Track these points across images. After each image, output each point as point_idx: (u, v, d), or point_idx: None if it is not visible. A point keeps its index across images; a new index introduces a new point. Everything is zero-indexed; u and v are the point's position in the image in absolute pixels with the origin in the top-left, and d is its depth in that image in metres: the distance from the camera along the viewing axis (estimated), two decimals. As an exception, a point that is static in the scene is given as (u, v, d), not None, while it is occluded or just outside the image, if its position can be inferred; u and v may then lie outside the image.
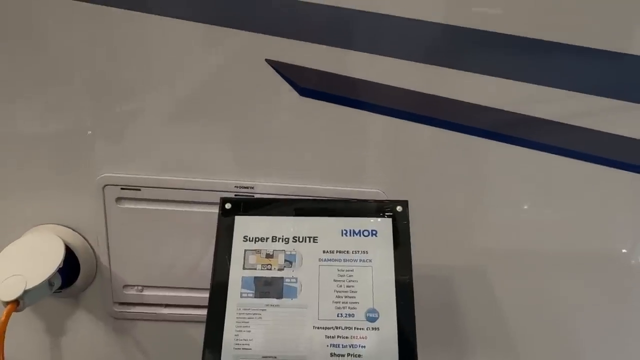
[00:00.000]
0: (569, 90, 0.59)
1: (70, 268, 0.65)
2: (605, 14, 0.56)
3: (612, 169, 0.62)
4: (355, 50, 0.59)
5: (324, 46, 0.59)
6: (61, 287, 0.64)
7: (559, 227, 0.66)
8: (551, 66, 0.58)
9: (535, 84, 0.59)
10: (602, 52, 0.57)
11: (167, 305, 0.69)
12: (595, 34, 0.57)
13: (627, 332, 0.69)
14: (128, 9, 0.57)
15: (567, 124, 0.60)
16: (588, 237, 0.66)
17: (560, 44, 0.57)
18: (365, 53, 0.59)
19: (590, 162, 0.62)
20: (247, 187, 0.64)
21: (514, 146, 0.62)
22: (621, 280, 0.67)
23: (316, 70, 0.60)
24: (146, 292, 0.68)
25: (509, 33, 0.57)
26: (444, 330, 0.69)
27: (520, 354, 0.70)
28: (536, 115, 0.60)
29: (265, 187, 0.64)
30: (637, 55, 0.57)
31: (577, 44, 0.57)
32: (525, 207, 0.66)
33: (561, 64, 0.58)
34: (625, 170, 0.62)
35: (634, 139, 0.60)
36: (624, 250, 0.66)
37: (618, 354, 0.69)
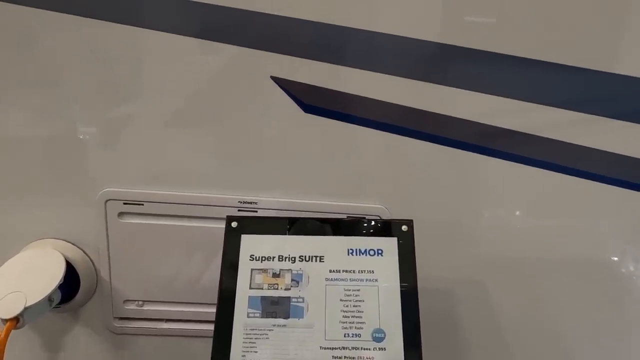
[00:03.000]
0: (558, 107, 0.60)
1: (70, 283, 0.64)
2: (591, 34, 0.58)
3: (602, 184, 0.63)
4: (359, 68, 0.59)
5: (329, 64, 0.59)
6: (61, 302, 0.63)
7: (554, 237, 0.66)
8: (542, 83, 0.59)
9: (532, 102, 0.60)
10: (591, 71, 0.58)
11: (167, 320, 0.68)
12: (583, 52, 0.58)
13: (621, 338, 0.70)
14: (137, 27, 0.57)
15: (557, 140, 0.61)
16: (581, 247, 0.67)
17: (549, 62, 0.58)
18: (369, 71, 0.59)
19: (583, 177, 0.63)
20: (250, 203, 0.64)
21: (508, 162, 0.63)
22: (613, 287, 0.68)
23: (321, 87, 0.60)
24: (146, 307, 0.68)
25: (501, 52, 0.58)
26: (444, 341, 0.70)
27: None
28: (530, 132, 0.61)
29: (269, 202, 0.64)
30: (623, 75, 0.58)
31: (565, 62, 0.58)
32: (521, 219, 0.66)
33: (551, 81, 0.59)
34: (616, 186, 0.63)
35: (623, 155, 0.62)
36: (614, 259, 0.67)
37: (613, 360, 0.71)
